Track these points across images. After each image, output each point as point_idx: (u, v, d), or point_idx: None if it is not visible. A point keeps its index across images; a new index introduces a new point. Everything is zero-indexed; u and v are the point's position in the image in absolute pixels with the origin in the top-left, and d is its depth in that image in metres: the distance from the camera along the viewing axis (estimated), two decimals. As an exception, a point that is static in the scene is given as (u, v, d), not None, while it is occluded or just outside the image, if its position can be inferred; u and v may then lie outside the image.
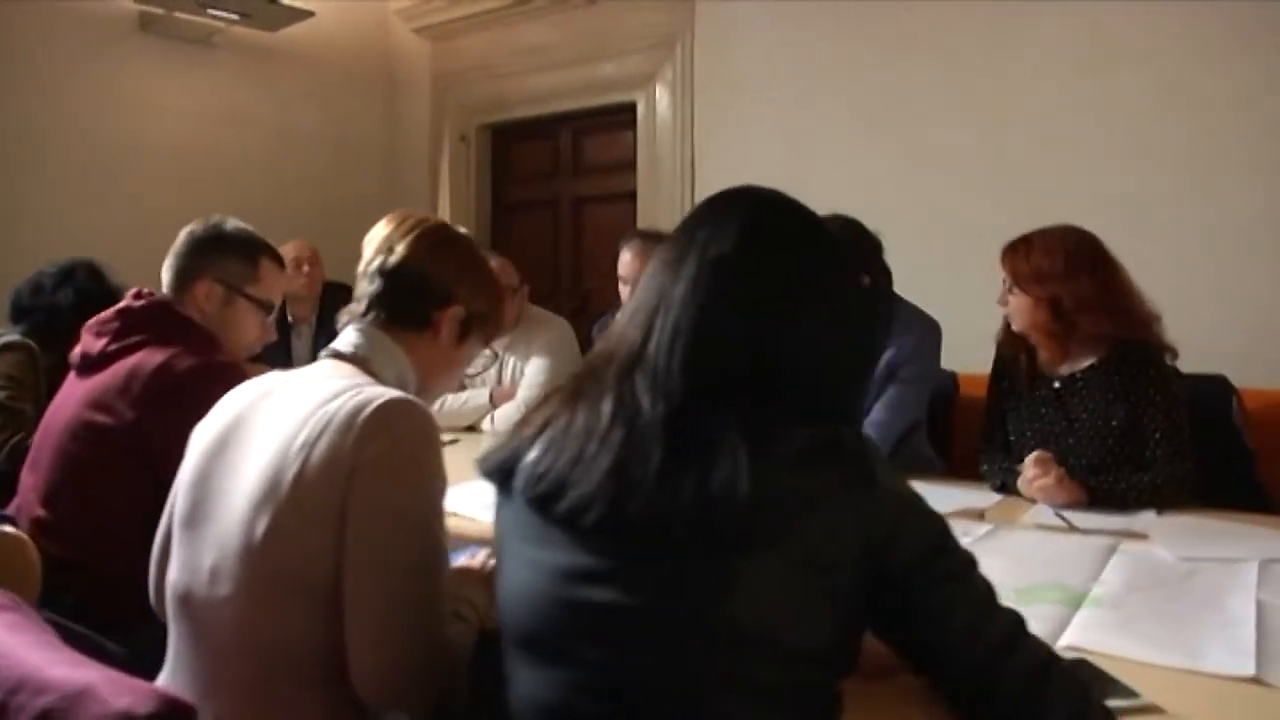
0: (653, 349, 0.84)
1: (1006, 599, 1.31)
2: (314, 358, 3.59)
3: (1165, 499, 1.85)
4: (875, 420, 2.23)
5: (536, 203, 4.33)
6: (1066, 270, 1.92)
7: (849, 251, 0.92)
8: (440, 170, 4.49)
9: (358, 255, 2.89)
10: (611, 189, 4.01)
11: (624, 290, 2.74)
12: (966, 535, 1.63)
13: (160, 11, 3.61)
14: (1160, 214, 2.79)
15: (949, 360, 2.76)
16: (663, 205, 3.78)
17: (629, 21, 3.78)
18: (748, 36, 3.53)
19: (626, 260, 2.73)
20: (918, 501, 0.83)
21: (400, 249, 1.17)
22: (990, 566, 1.47)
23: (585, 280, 4.16)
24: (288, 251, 3.37)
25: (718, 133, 3.65)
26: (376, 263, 1.18)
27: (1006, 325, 2.08)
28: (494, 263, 3.03)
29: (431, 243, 1.18)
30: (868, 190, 3.26)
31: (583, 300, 4.03)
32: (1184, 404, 1.95)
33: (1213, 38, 2.71)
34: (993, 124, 3.06)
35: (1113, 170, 2.85)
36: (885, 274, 2.32)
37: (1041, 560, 1.49)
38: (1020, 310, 1.99)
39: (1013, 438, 2.09)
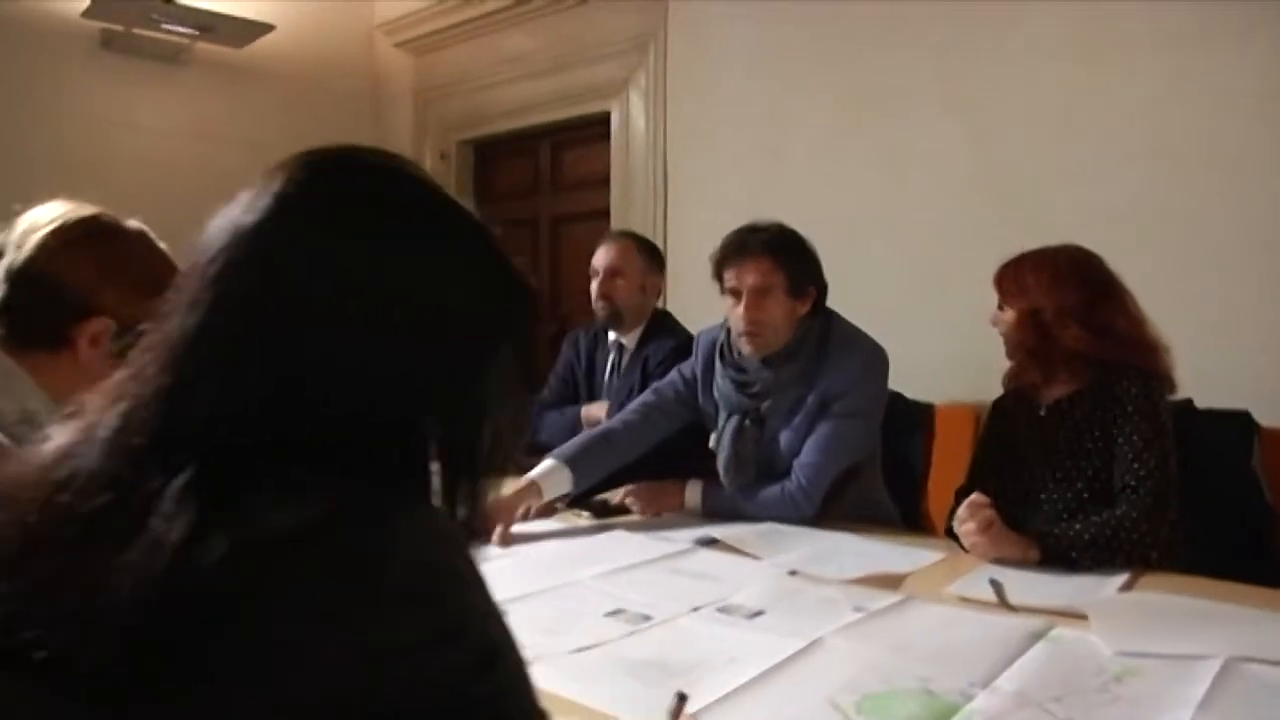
0: (143, 368, 0.57)
1: (842, 709, 1.00)
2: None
3: (1130, 547, 1.52)
4: (806, 463, 1.90)
5: (517, 222, 4.11)
6: (1052, 282, 1.73)
7: (461, 232, 0.62)
8: (422, 189, 4.31)
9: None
10: (590, 206, 3.76)
11: (593, 284, 2.50)
12: (860, 610, 1.31)
13: (119, 29, 3.52)
14: (1172, 222, 2.41)
15: (929, 389, 2.42)
16: (635, 221, 3.51)
17: (604, 25, 3.55)
18: (720, 38, 3.26)
19: (600, 252, 2.50)
20: (459, 620, 0.52)
21: (28, 246, 0.92)
22: (856, 656, 1.12)
23: (563, 303, 3.91)
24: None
25: (690, 142, 3.38)
26: (4, 264, 0.93)
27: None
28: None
29: (68, 239, 0.93)
30: (847, 199, 2.95)
31: (561, 325, 3.77)
32: (1171, 441, 1.64)
33: (1232, 21, 2.33)
34: (983, 124, 2.71)
35: (1118, 174, 2.47)
36: (824, 285, 2.01)
37: (931, 650, 1.15)
38: (1004, 327, 1.80)
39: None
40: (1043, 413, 1.76)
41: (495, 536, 1.70)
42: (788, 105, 3.10)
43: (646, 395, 2.13)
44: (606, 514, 1.93)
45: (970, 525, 1.54)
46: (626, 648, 1.16)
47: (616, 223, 3.59)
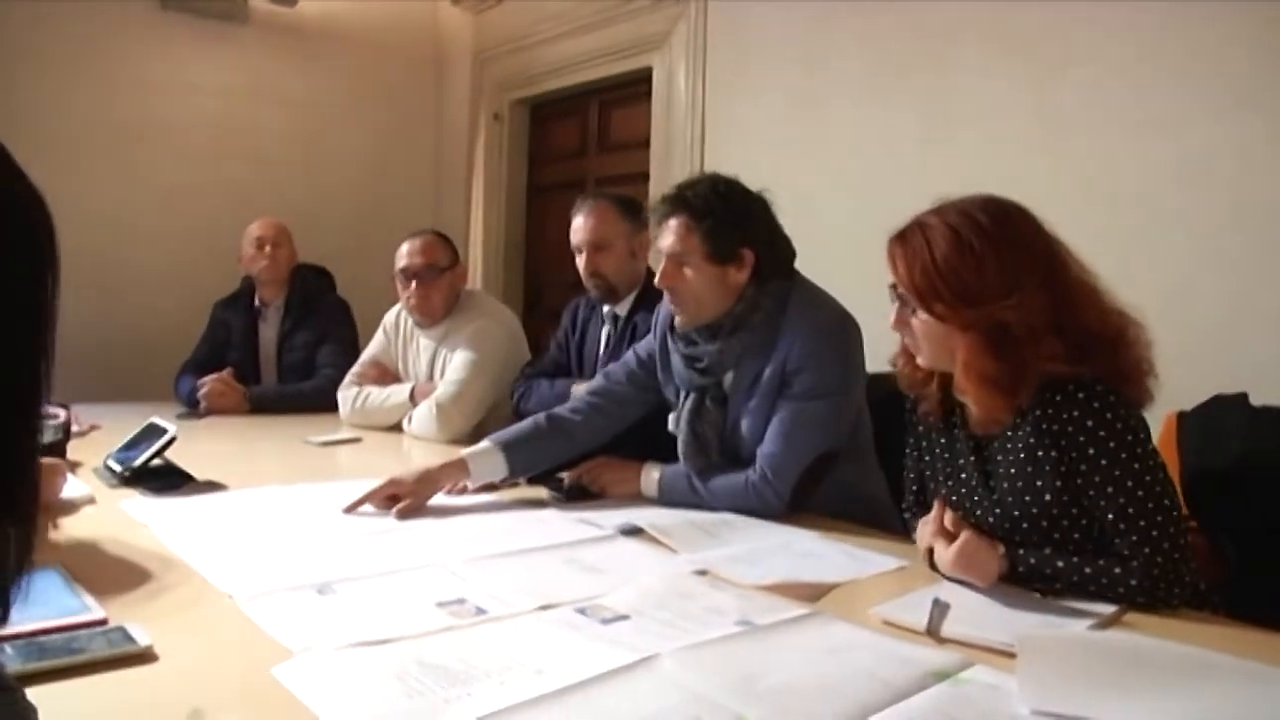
0: None
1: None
2: (280, 343, 3.32)
3: (1118, 599, 1.19)
4: (767, 452, 1.67)
5: (567, 184, 3.95)
6: (1003, 271, 1.21)
7: None
8: (476, 151, 4.22)
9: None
10: (632, 168, 3.56)
11: (579, 260, 2.31)
12: (744, 624, 1.09)
13: (178, -14, 3.56)
14: (1253, 183, 1.99)
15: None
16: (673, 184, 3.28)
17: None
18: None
19: (578, 225, 2.29)
20: None
21: None
22: (678, 682, 0.89)
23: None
24: (251, 231, 3.17)
25: (728, 99, 3.14)
26: None
27: (905, 349, 1.39)
28: (414, 242, 2.71)
29: None
30: (888, 156, 2.64)
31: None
32: (1158, 460, 1.22)
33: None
34: (1040, 69, 2.34)
35: (1200, 125, 2.06)
36: (776, 245, 1.75)
37: (781, 684, 0.93)
38: (934, 342, 1.29)
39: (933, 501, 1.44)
40: (971, 442, 1.34)
41: (394, 509, 1.56)
42: (827, 52, 2.81)
43: (598, 380, 1.93)
44: (574, 498, 1.74)
45: (935, 538, 1.24)
46: (425, 646, 0.98)
47: (656, 186, 3.37)
